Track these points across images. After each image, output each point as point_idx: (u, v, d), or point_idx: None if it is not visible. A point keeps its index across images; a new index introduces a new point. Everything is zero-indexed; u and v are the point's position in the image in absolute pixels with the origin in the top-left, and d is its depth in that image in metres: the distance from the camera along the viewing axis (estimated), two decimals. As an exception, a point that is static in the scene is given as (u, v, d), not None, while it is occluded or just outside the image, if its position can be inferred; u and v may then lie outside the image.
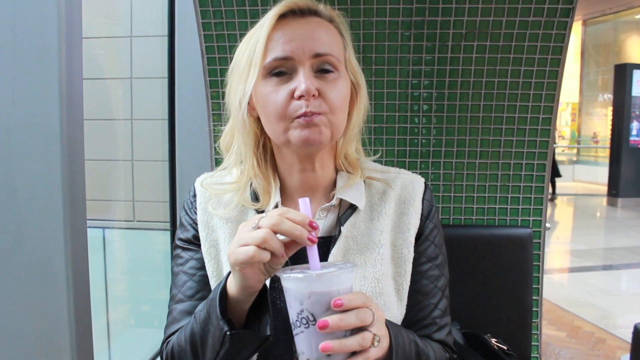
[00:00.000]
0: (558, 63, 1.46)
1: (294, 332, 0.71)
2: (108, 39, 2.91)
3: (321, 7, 0.92)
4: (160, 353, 0.98)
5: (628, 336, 3.72)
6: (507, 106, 1.49)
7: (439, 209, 1.54)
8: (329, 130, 0.87)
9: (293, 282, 0.69)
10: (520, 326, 1.49)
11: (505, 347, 1.23)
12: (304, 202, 0.76)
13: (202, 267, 0.99)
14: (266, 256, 0.71)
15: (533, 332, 1.52)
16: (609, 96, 12.78)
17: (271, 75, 0.87)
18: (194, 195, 1.03)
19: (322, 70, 0.87)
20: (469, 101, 1.49)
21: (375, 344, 0.71)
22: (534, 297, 1.51)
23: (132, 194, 2.92)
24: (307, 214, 0.75)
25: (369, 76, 1.48)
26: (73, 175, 1.43)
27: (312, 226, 0.72)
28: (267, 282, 0.92)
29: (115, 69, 2.96)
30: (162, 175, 2.83)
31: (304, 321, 0.68)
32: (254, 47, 0.87)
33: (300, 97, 0.84)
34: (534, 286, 1.50)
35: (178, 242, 1.03)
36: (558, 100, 1.49)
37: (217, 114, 1.52)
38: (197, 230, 1.00)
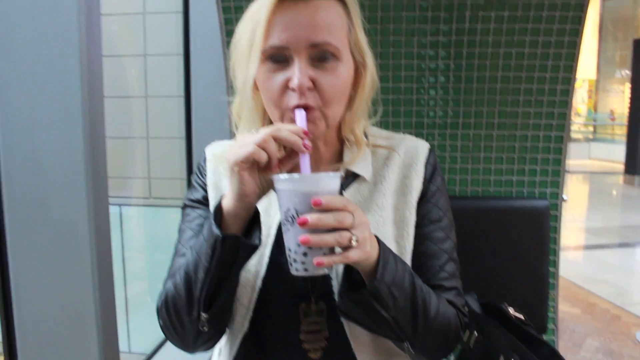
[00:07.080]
0: (577, 33, 1.43)
1: (283, 230, 0.75)
2: (121, 15, 2.91)
3: None
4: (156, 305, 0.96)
5: (644, 312, 3.73)
6: (525, 77, 1.47)
7: (457, 180, 1.54)
8: (323, 122, 0.88)
9: (282, 183, 0.74)
10: (537, 298, 1.49)
11: (522, 317, 1.24)
12: (299, 113, 0.81)
13: None
14: (264, 156, 0.74)
15: (549, 303, 1.53)
16: (627, 72, 12.53)
17: (269, 60, 0.86)
18: (205, 160, 1.04)
19: (320, 57, 0.85)
20: (487, 72, 1.48)
21: (354, 244, 0.73)
22: (550, 269, 1.51)
23: (148, 171, 2.95)
24: (302, 124, 0.80)
25: (387, 47, 1.48)
26: (95, 150, 1.45)
27: (306, 134, 0.77)
28: (272, 237, 0.95)
29: (128, 46, 2.97)
30: (178, 152, 2.86)
31: (290, 219, 0.73)
32: (254, 29, 0.85)
33: (294, 90, 0.84)
34: (550, 258, 1.51)
35: (187, 202, 1.03)
36: (576, 72, 1.47)
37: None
38: (206, 191, 1.01)
